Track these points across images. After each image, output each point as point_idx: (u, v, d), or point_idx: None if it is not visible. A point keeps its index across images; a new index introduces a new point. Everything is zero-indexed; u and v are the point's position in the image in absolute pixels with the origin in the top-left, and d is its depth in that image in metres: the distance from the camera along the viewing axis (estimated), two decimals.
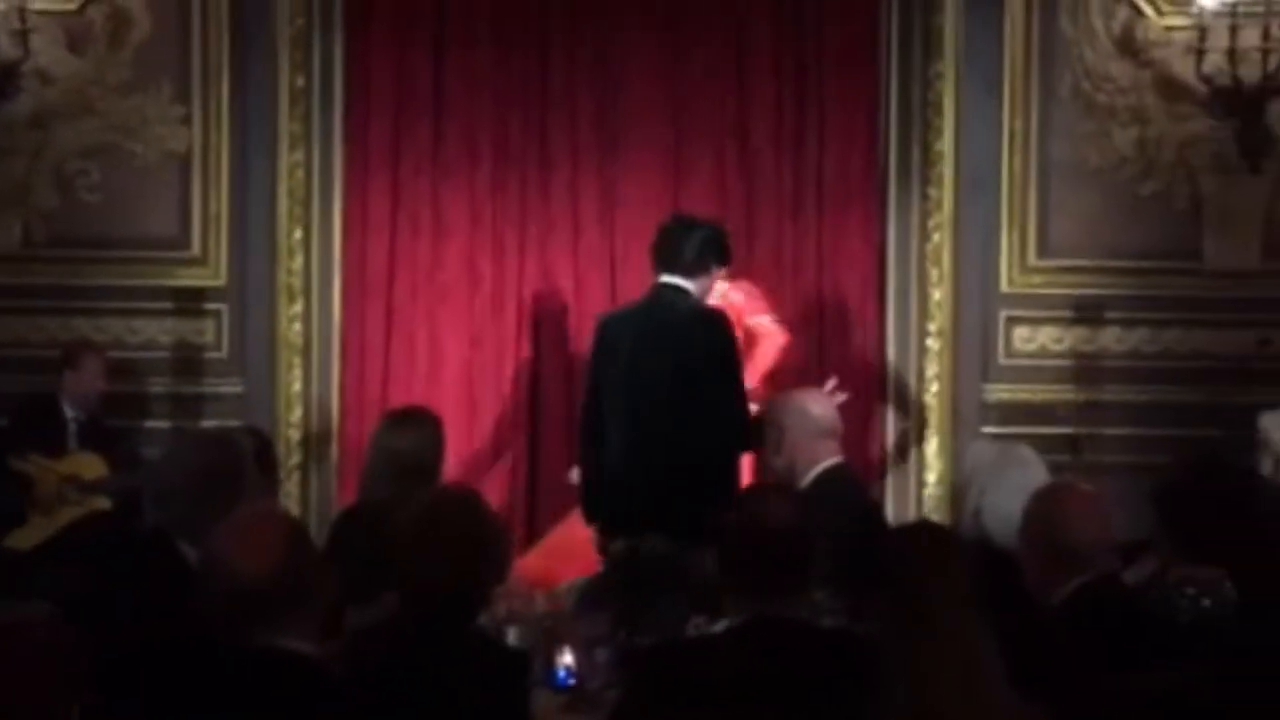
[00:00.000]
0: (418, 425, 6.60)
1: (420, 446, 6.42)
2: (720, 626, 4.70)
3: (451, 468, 9.04)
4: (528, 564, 7.75)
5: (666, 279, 7.23)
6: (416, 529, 4.61)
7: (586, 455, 7.33)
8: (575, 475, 8.68)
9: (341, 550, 6.00)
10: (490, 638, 4.84)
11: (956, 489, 6.32)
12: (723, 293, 8.27)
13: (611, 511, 6.98)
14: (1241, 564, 5.17)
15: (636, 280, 9.01)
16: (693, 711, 4.42)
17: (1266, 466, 6.09)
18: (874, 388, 9.33)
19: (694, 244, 7.23)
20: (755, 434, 6.80)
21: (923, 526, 5.45)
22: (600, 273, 9.35)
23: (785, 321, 8.74)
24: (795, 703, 4.35)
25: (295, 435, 9.24)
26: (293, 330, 9.26)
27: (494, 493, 9.28)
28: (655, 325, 7.15)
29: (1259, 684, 4.59)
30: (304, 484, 9.24)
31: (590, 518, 7.17)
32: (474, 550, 4.65)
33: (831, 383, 7.75)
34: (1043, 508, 5.03)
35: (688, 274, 7.21)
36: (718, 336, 7.10)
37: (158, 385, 9.31)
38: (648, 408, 7.02)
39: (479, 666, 4.47)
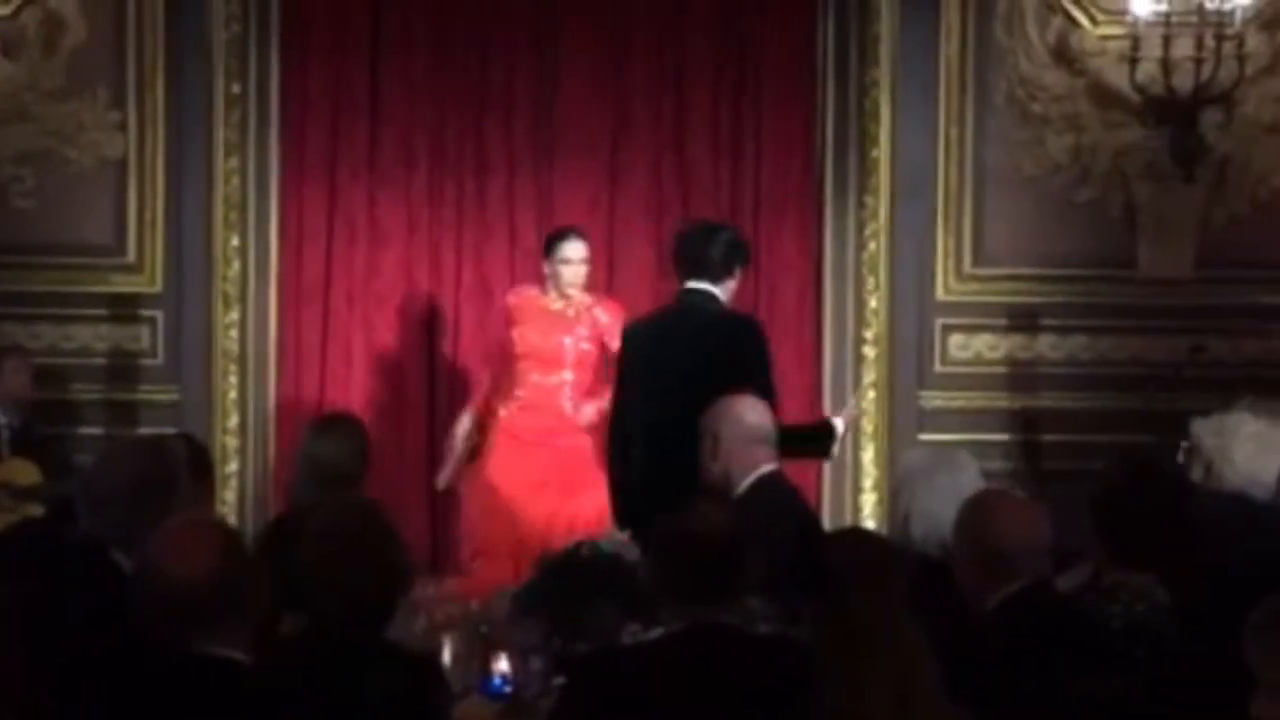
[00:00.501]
0: (339, 432, 6.60)
1: (341, 453, 6.39)
2: (656, 634, 4.70)
3: (386, 476, 9.09)
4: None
5: (693, 284, 7.14)
6: (340, 537, 4.58)
7: (614, 462, 7.28)
8: (442, 480, 8.70)
9: (272, 557, 5.98)
10: (401, 646, 4.82)
11: (890, 495, 6.33)
12: (587, 305, 8.40)
13: (640, 518, 6.93)
14: (1174, 570, 5.21)
15: None
16: (628, 719, 4.42)
17: (1198, 473, 6.11)
18: (810, 395, 9.34)
19: (719, 247, 7.16)
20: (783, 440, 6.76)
21: (858, 534, 5.45)
22: (537, 278, 9.30)
23: None
24: (730, 709, 4.36)
25: (232, 442, 9.21)
26: (229, 337, 9.22)
27: (427, 501, 9.28)
28: (687, 330, 7.09)
29: (1192, 690, 4.62)
30: (240, 491, 9.20)
31: (621, 524, 7.11)
32: (396, 558, 4.65)
33: (852, 401, 7.79)
34: (975, 514, 5.05)
35: (715, 278, 7.13)
36: (749, 341, 7.04)
37: (93, 392, 9.26)
38: (675, 411, 6.95)
39: (397, 674, 4.46)
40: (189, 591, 4.09)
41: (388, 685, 4.38)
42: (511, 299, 8.63)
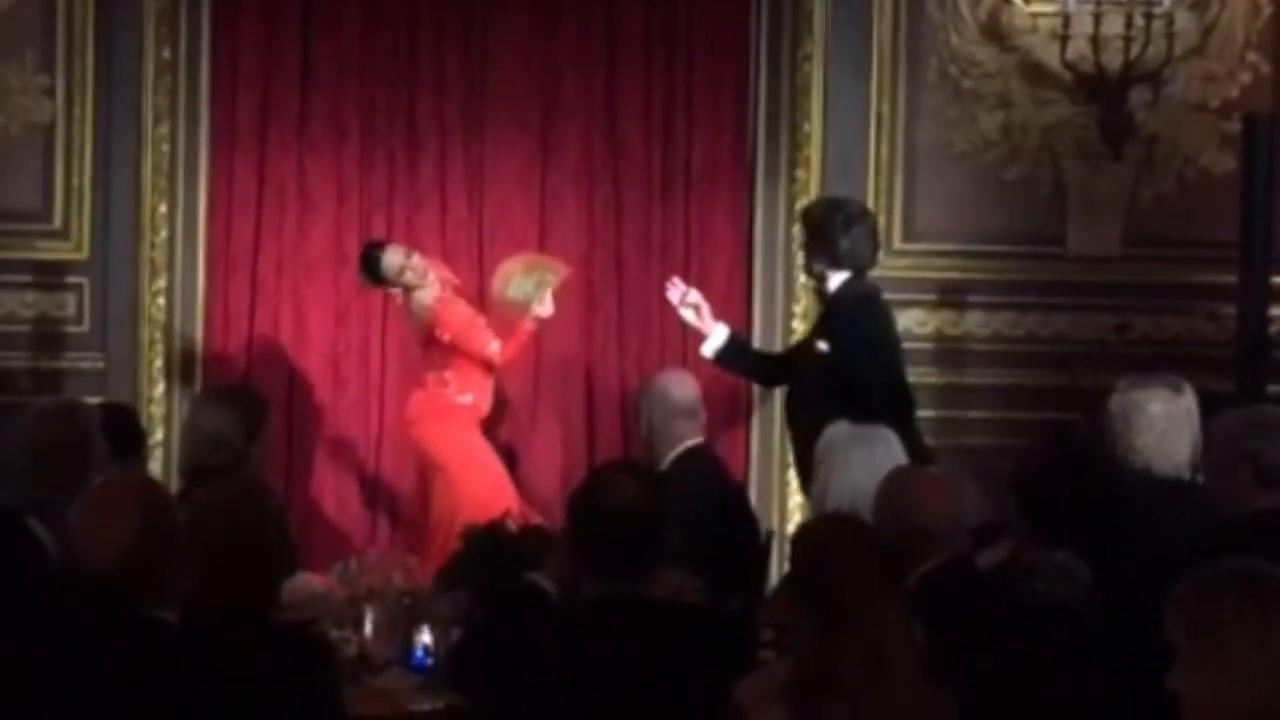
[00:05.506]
0: (221, 401, 6.61)
1: (221, 424, 6.35)
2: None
3: (311, 445, 9.08)
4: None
5: None
6: (217, 520, 4.55)
7: None
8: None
9: None
10: (290, 626, 4.82)
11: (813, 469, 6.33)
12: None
13: None
14: (1094, 547, 5.24)
15: (503, 258, 9.00)
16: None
17: (1118, 449, 6.13)
18: None
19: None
20: None
21: (830, 517, 5.40)
22: (467, 251, 9.32)
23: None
24: (646, 681, 4.37)
25: (157, 411, 9.16)
26: (156, 305, 9.17)
27: (359, 472, 9.27)
28: None
29: (1107, 663, 4.66)
30: (166, 460, 9.15)
31: None
32: (275, 540, 4.65)
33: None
34: (895, 489, 5.09)
35: None
36: None
37: (17, 360, 9.19)
38: None
39: (284, 654, 4.45)
40: (112, 564, 4.07)
41: (274, 666, 4.36)
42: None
